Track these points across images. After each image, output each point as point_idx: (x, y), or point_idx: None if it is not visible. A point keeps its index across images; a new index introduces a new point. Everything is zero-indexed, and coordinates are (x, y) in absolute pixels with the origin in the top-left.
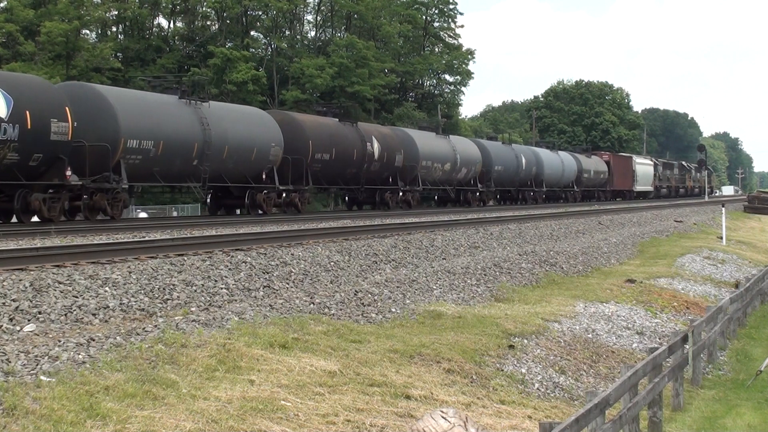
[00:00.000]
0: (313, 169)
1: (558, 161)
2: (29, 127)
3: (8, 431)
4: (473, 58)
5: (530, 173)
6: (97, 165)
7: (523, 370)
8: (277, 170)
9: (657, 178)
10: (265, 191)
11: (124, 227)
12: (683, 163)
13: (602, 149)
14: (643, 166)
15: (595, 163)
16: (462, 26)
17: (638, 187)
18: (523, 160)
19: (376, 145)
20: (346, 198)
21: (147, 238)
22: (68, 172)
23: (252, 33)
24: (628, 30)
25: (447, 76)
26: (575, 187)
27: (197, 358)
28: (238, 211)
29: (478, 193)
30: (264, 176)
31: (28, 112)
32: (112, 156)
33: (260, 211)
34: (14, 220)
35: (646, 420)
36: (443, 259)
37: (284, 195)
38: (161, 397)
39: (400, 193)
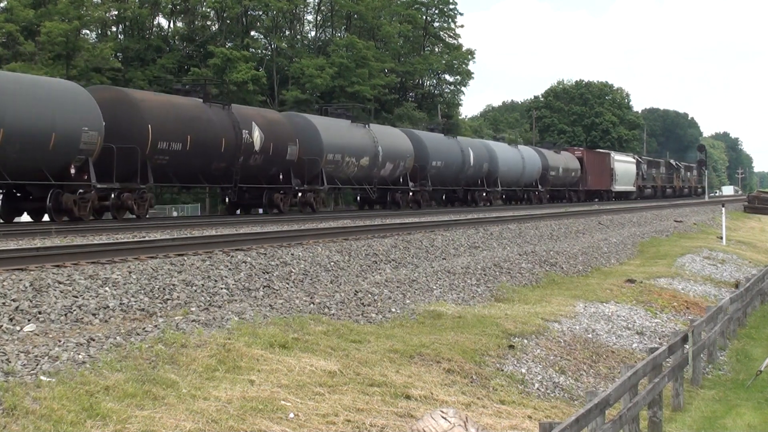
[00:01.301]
0: (156, 162)
1: (517, 157)
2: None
3: (8, 431)
4: (473, 58)
5: (480, 170)
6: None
7: (523, 370)
8: (94, 163)
9: (640, 177)
10: (79, 191)
11: (124, 227)
12: (671, 161)
13: (587, 146)
14: (624, 164)
15: (565, 160)
16: (462, 26)
17: (617, 187)
18: (471, 155)
19: (257, 133)
20: (226, 200)
21: (147, 238)
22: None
23: (252, 33)
24: (628, 30)
25: (447, 76)
26: (539, 186)
27: (197, 358)
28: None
29: (410, 194)
30: (73, 171)
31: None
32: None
33: (66, 218)
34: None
35: (646, 420)
36: (443, 259)
37: (114, 196)
38: (161, 397)
39: (299, 194)
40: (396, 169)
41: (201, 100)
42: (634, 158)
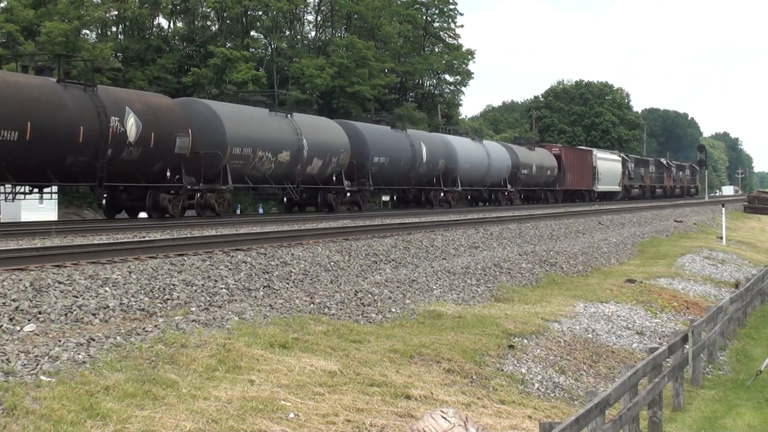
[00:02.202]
0: None
1: (481, 154)
2: None
3: (8, 431)
4: (473, 58)
5: (435, 168)
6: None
7: (523, 370)
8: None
9: (627, 177)
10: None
11: (124, 227)
12: (661, 159)
13: (572, 144)
14: (608, 162)
15: (540, 158)
16: (462, 26)
17: (600, 187)
18: (424, 151)
19: (132, 121)
20: (105, 202)
21: (147, 238)
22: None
23: (252, 33)
24: (628, 30)
25: (447, 76)
26: (509, 186)
27: (197, 358)
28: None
29: (347, 194)
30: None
31: None
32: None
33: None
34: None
35: (646, 420)
36: (443, 259)
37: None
38: (161, 397)
39: (198, 195)
40: (327, 166)
41: (54, 80)
42: (619, 156)
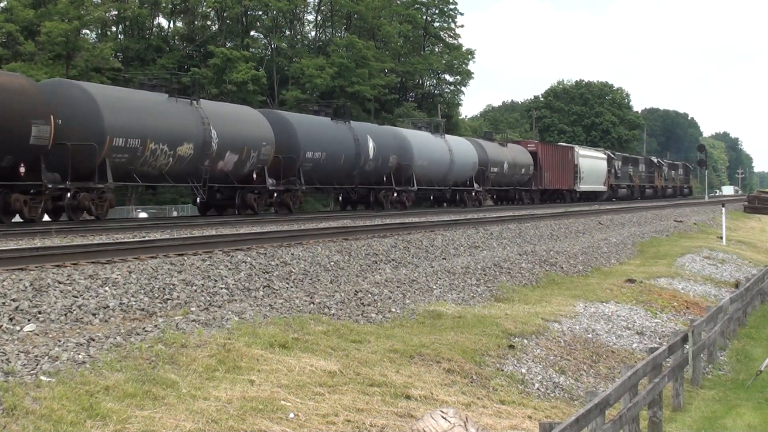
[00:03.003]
0: None
1: (442, 149)
2: None
3: (8, 431)
4: (473, 58)
5: (385, 165)
6: None
7: (523, 370)
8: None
9: (613, 176)
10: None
11: (124, 227)
12: (652, 158)
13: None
14: (591, 160)
15: (513, 155)
16: (462, 26)
17: (583, 186)
18: (371, 146)
19: None
20: None
21: (147, 238)
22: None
23: (252, 33)
24: (628, 30)
25: (447, 76)
26: (476, 185)
27: (197, 358)
28: None
29: (274, 194)
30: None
31: None
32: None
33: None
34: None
35: (646, 420)
36: (443, 258)
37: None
38: (161, 397)
39: (68, 195)
40: (245, 162)
41: None
42: (605, 154)
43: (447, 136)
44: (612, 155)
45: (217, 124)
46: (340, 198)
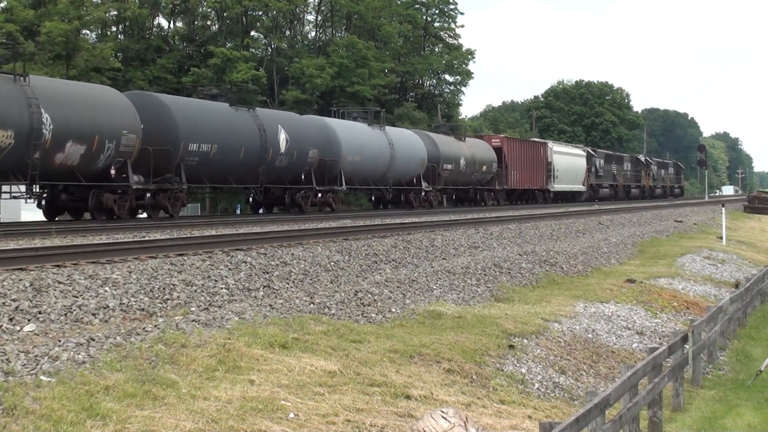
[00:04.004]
0: None
1: (381, 143)
2: None
3: (8, 431)
4: (473, 58)
5: (304, 160)
6: None
7: (523, 370)
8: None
9: (593, 175)
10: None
11: (124, 227)
12: (639, 156)
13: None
14: (567, 157)
15: (471, 150)
16: (462, 26)
17: (558, 186)
18: (282, 138)
19: None
20: None
21: (147, 238)
22: None
23: (252, 33)
24: (628, 30)
25: (447, 76)
26: (424, 184)
27: (197, 358)
28: None
29: (147, 195)
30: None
31: None
32: None
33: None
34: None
35: (646, 420)
36: (443, 259)
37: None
38: (161, 397)
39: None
40: (96, 156)
41: None
42: (584, 151)
43: (389, 128)
44: (592, 152)
45: (52, 106)
46: (250, 199)
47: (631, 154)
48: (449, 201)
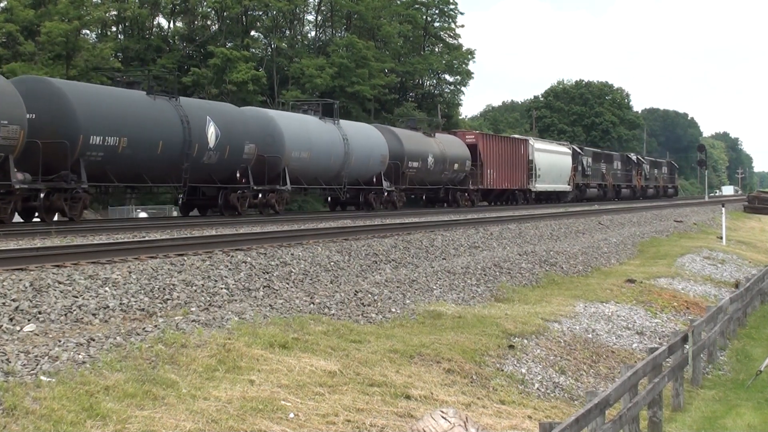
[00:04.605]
0: None
1: (333, 138)
2: None
3: (8, 431)
4: (473, 58)
5: (238, 157)
6: None
7: (523, 370)
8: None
9: (580, 174)
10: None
11: (124, 227)
12: (630, 155)
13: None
14: (550, 155)
15: (442, 147)
16: (462, 26)
17: (540, 186)
18: (211, 131)
19: None
20: None
21: (147, 238)
22: None
23: (252, 33)
24: (628, 30)
25: (447, 76)
26: (386, 183)
27: (197, 358)
28: None
29: (40, 196)
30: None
31: None
32: None
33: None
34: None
35: (646, 420)
36: (443, 259)
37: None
38: (161, 397)
39: None
40: None
41: None
42: (569, 148)
43: (344, 122)
44: (579, 150)
45: None
46: (181, 200)
47: (621, 152)
48: (419, 202)
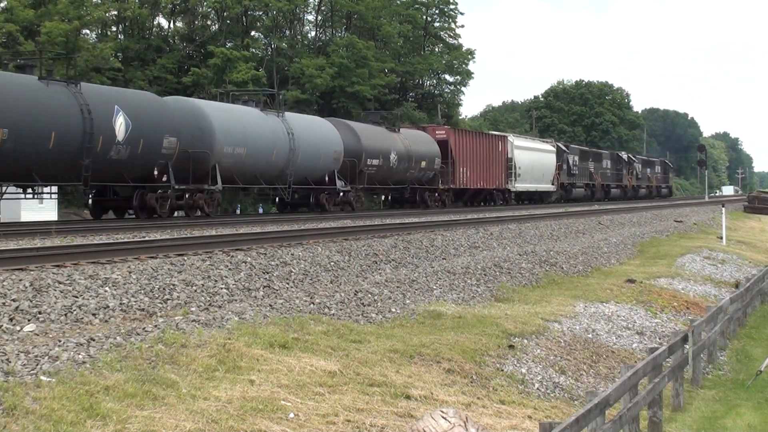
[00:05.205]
0: None
1: (275, 131)
2: None
3: (8, 431)
4: (473, 58)
5: (155, 151)
6: None
7: (523, 370)
8: None
9: (565, 173)
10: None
11: (124, 227)
12: (620, 154)
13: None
14: (533, 153)
15: (407, 143)
16: (462, 26)
17: (520, 186)
18: (120, 122)
19: None
20: None
21: (147, 238)
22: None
23: (252, 33)
24: (628, 30)
25: (447, 76)
26: (340, 183)
27: (197, 358)
28: None
29: None
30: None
31: None
32: None
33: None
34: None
35: (646, 420)
36: (443, 259)
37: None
38: (161, 397)
39: None
40: None
41: None
42: (553, 146)
43: (290, 114)
44: (564, 148)
45: None
46: (88, 200)
47: (611, 150)
48: (384, 203)
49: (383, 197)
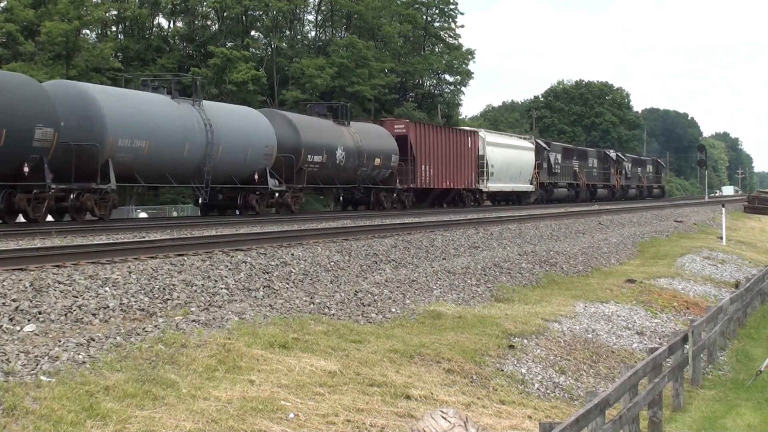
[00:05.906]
0: None
1: (191, 122)
2: None
3: (8, 431)
4: (473, 58)
5: (26, 147)
6: None
7: (523, 370)
8: None
9: (545, 172)
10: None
11: (124, 227)
12: (608, 152)
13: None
14: (508, 150)
15: (358, 138)
16: (462, 26)
17: (493, 186)
18: None
19: None
20: None
21: (147, 238)
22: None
23: (252, 33)
24: (628, 30)
25: (447, 76)
26: (273, 182)
27: (197, 358)
28: None
29: None
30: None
31: None
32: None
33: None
34: None
35: (646, 420)
36: (443, 259)
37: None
38: (161, 397)
39: None
40: None
41: None
42: (532, 143)
43: (209, 103)
44: (545, 145)
45: None
46: None
47: (598, 149)
48: (335, 204)
49: (341, 198)
